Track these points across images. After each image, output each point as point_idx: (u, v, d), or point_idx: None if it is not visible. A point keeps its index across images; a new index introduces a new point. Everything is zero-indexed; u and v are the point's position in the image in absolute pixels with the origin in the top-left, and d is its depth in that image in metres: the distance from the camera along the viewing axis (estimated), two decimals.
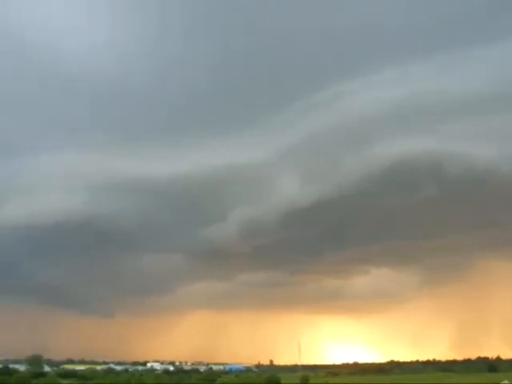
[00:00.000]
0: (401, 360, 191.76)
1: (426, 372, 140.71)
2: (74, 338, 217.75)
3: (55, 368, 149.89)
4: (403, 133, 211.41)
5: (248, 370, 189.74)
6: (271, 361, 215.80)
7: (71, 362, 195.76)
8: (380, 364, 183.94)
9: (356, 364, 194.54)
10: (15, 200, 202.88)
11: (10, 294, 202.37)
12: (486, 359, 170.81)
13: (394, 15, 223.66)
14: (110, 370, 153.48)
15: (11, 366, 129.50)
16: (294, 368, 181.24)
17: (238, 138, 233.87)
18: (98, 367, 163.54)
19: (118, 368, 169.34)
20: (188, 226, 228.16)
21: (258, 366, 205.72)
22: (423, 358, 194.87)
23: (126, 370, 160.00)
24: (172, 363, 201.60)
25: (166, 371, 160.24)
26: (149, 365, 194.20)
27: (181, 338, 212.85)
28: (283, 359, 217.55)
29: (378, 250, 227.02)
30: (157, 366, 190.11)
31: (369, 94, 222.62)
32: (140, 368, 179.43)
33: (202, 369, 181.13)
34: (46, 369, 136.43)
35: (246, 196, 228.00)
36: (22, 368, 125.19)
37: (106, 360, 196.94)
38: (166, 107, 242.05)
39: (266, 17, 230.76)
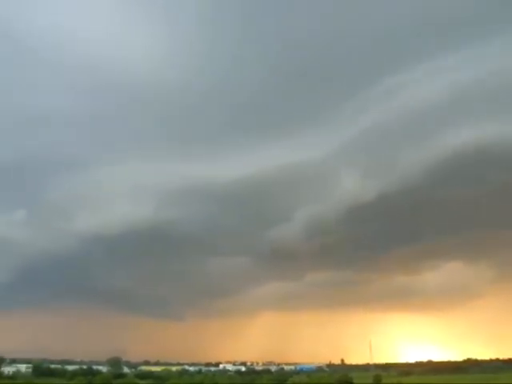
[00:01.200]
0: (479, 358, 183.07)
1: (508, 371, 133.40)
2: (148, 341, 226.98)
3: (133, 369, 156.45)
4: (469, 120, 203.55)
5: (319, 369, 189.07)
6: (342, 360, 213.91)
7: (147, 363, 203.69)
8: (456, 362, 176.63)
9: (430, 362, 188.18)
10: (86, 211, 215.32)
11: (87, 300, 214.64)
12: None
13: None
14: (185, 371, 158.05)
15: (94, 367, 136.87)
16: (365, 367, 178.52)
17: (299, 138, 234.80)
18: (173, 368, 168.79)
19: (192, 369, 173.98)
20: (254, 227, 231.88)
21: (330, 366, 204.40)
22: (504, 356, 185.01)
23: (200, 371, 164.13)
24: (244, 364, 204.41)
25: (238, 372, 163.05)
26: (221, 366, 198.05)
27: (252, 339, 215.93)
28: (354, 358, 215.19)
29: (447, 244, 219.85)
30: (229, 366, 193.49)
31: (429, 82, 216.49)
32: (213, 369, 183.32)
33: (273, 369, 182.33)
34: (125, 370, 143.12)
35: (310, 194, 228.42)
36: (103, 369, 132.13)
37: (180, 361, 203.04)
38: (227, 110, 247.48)
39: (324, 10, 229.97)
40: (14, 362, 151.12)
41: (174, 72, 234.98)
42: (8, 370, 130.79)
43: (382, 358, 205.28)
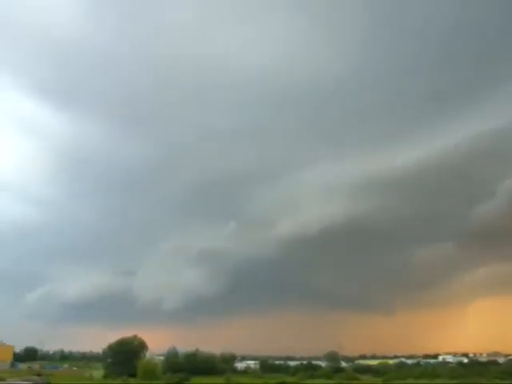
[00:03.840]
0: None
1: None
2: (362, 336, 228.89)
3: (350, 363, 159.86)
4: None
5: None
6: None
7: (364, 357, 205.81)
8: None
9: None
10: (287, 215, 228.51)
11: (299, 299, 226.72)
12: None
13: None
14: (402, 364, 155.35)
15: (313, 362, 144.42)
16: None
17: (489, 104, 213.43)
18: (390, 361, 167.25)
19: (409, 362, 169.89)
20: (454, 209, 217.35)
21: None
22: None
23: (418, 364, 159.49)
24: (465, 355, 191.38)
25: (460, 363, 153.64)
26: (440, 358, 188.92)
27: (470, 328, 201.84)
28: None
29: None
30: (449, 358, 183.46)
31: None
32: (431, 361, 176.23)
33: (501, 360, 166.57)
34: (343, 364, 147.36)
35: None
36: (322, 364, 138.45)
37: (397, 354, 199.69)
38: (398, 97, 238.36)
39: None
40: (243, 359, 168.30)
41: (333, 72, 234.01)
42: (240, 366, 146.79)
43: None
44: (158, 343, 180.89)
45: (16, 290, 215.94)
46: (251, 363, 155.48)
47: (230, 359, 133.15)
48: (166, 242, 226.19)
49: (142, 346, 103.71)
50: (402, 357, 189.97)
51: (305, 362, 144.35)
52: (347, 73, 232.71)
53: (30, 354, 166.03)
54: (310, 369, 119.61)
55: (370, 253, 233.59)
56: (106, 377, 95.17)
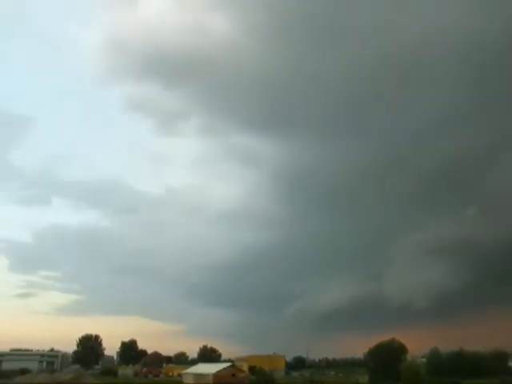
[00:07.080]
0: None
1: None
2: None
3: None
4: None
5: None
6: None
7: None
8: None
9: None
10: None
11: None
12: None
13: None
14: None
15: None
16: None
17: None
18: None
19: None
20: None
21: None
22: None
23: None
24: None
25: None
26: None
27: None
28: None
29: None
30: None
31: None
32: None
33: None
34: None
35: None
36: None
37: None
38: None
39: None
40: None
41: None
42: None
43: None
44: (416, 344, 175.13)
45: (276, 306, 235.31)
46: None
47: (501, 358, 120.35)
48: (405, 240, 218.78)
49: (402, 348, 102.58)
50: None
51: None
52: None
53: (298, 363, 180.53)
54: None
55: None
56: (371, 382, 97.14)
